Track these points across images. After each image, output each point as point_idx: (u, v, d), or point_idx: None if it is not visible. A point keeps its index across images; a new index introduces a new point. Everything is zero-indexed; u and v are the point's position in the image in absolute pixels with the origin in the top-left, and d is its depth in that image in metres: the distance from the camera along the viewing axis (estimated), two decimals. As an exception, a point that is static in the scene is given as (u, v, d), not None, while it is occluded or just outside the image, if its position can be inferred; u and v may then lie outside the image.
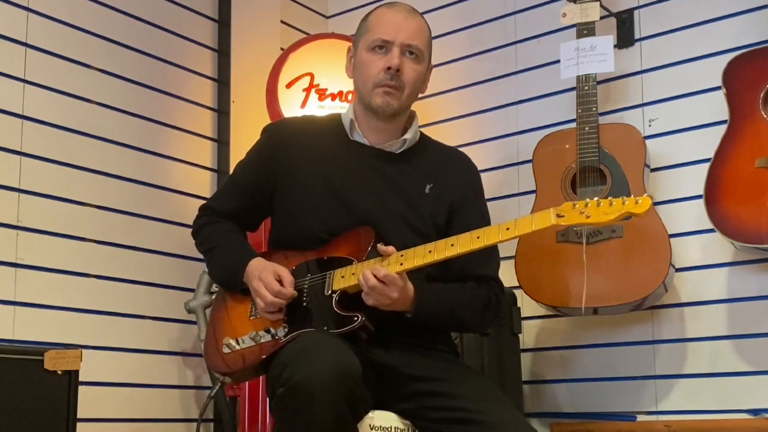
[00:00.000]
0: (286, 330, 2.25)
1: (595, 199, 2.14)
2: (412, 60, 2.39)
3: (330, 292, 2.27)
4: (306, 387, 1.97)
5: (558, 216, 2.14)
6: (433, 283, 2.35)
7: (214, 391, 3.36)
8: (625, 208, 2.11)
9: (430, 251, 2.22)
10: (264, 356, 2.23)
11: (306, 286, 2.32)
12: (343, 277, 2.27)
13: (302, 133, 2.49)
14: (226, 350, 2.31)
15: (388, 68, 2.35)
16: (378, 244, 2.27)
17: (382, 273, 2.18)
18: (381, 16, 2.42)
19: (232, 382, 2.81)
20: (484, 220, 2.45)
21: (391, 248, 2.25)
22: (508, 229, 2.19)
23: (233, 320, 2.37)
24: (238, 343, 2.30)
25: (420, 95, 2.49)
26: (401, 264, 2.23)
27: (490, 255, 2.42)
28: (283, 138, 2.48)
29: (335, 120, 2.50)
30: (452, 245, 2.22)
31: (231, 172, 3.75)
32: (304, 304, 2.29)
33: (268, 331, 2.26)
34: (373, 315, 2.23)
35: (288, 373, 2.01)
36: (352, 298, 2.26)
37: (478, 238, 2.20)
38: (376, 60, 2.38)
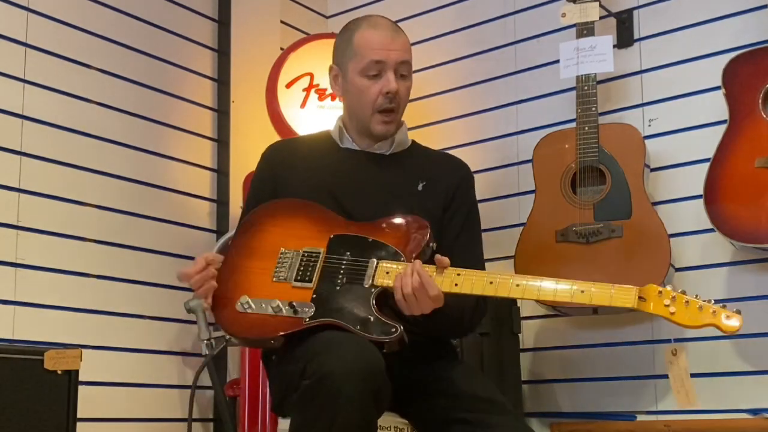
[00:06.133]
0: (312, 312, 2.15)
1: (687, 298, 2.05)
2: (404, 78, 2.41)
3: (369, 284, 2.17)
4: (334, 380, 1.93)
5: (640, 299, 2.05)
6: None
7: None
8: (713, 321, 2.05)
9: (491, 283, 2.12)
10: (282, 333, 2.14)
11: (344, 266, 2.22)
12: (388, 273, 2.17)
13: (296, 150, 2.52)
14: (240, 309, 2.19)
15: (387, 93, 2.37)
16: (436, 255, 2.17)
17: (434, 293, 2.10)
18: (368, 39, 2.39)
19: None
20: (469, 219, 2.43)
21: (446, 260, 2.16)
22: (583, 291, 2.08)
23: (253, 276, 2.26)
24: (256, 306, 2.18)
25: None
26: (456, 284, 2.13)
27: (476, 260, 2.39)
28: (279, 157, 2.50)
29: (326, 136, 2.54)
30: (517, 285, 2.11)
31: (229, 172, 3.79)
32: (338, 287, 2.19)
33: (292, 307, 2.15)
34: (409, 326, 2.14)
35: (314, 365, 1.97)
36: (389, 297, 2.17)
37: (583, 291, 2.08)
38: (371, 85, 2.38)
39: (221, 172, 3.81)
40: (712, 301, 2.06)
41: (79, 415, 2.70)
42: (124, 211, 3.46)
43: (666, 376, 3.24)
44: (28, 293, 3.12)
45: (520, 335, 3.32)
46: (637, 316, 3.28)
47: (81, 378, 2.71)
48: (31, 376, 2.60)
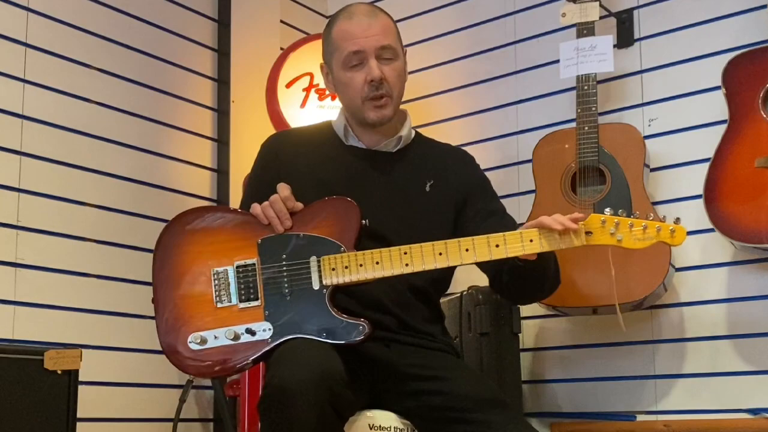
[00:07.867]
0: (271, 331, 2.09)
1: (630, 220, 2.07)
2: (390, 61, 2.35)
3: (319, 286, 2.10)
4: (286, 389, 1.92)
5: (587, 233, 2.09)
6: None
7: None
8: (659, 238, 2.08)
9: (440, 254, 2.09)
10: (252, 357, 2.10)
11: (285, 272, 2.14)
12: (334, 269, 2.10)
13: (298, 143, 2.45)
14: (195, 347, 2.10)
15: (371, 81, 2.31)
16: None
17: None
18: (344, 30, 2.35)
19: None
20: (488, 195, 2.45)
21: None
22: (532, 241, 2.10)
23: (194, 307, 2.15)
24: (211, 339, 2.09)
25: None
26: (406, 264, 2.09)
27: (512, 224, 2.39)
28: (280, 151, 2.44)
29: (327, 127, 2.48)
30: (467, 250, 2.09)
31: (229, 172, 3.79)
32: (288, 297, 2.11)
33: (250, 331, 2.08)
34: (373, 317, 2.13)
35: (269, 375, 1.99)
36: (341, 291, 2.11)
37: (531, 241, 2.11)
38: (355, 76, 2.33)
39: (221, 172, 3.81)
40: (651, 216, 2.10)
41: (79, 415, 2.70)
42: (124, 211, 3.46)
43: (666, 376, 3.25)
44: (28, 293, 3.12)
45: (520, 335, 3.32)
46: (637, 316, 3.28)
47: (81, 378, 2.71)
48: (31, 376, 2.60)
